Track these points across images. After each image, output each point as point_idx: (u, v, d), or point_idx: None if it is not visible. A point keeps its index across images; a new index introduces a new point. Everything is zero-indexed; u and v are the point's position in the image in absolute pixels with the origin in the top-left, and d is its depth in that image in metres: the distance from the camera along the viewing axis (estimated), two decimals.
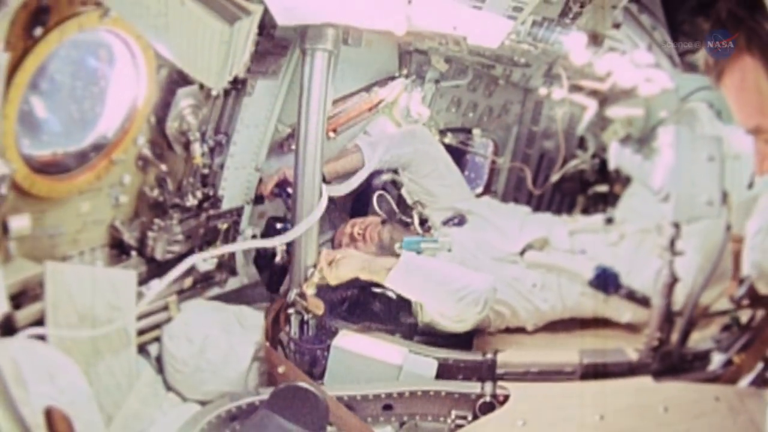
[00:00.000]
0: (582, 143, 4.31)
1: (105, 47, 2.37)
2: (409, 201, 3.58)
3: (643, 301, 2.93)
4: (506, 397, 2.54)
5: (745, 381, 2.58)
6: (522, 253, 3.22)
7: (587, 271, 3.07)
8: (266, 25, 2.70)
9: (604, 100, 3.95)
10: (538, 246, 3.24)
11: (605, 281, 2.98)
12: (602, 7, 2.49)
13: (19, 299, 2.14)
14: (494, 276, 2.99)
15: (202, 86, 2.61)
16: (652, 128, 3.87)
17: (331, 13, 2.42)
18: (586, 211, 4.27)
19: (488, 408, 2.54)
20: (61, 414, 1.78)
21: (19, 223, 2.09)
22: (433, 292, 2.84)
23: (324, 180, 3.03)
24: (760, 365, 2.59)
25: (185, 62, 1.94)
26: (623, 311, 3.08)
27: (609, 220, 3.18)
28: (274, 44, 2.80)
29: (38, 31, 1.95)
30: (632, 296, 3.00)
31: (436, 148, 3.52)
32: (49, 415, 1.76)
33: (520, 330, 3.12)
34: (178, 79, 2.52)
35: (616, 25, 2.61)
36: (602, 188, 4.18)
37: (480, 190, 4.45)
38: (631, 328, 3.10)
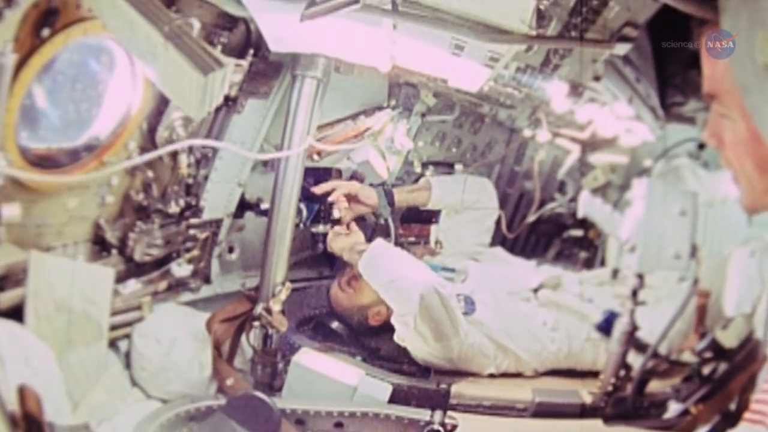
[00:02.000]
0: (562, 187, 4.61)
1: (107, 52, 2.68)
2: (432, 239, 3.94)
3: (637, 345, 3.05)
4: (454, 427, 2.81)
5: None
6: (536, 291, 3.53)
7: (596, 315, 3.34)
8: (261, 47, 3.00)
9: (588, 145, 4.24)
10: (551, 286, 3.56)
11: (612, 325, 3.10)
12: (582, 60, 2.79)
13: (2, 282, 2.43)
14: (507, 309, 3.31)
15: None
16: (636, 175, 4.16)
17: (320, 45, 2.75)
18: (560, 254, 4.58)
19: None
20: (33, 393, 2.03)
21: (11, 212, 2.37)
22: (387, 285, 3.15)
23: (393, 205, 3.52)
24: (716, 418, 2.82)
25: (169, 92, 2.26)
26: None
27: (615, 273, 3.45)
28: (267, 66, 3.11)
29: (46, 32, 2.24)
30: (637, 344, 3.09)
31: (494, 203, 3.91)
32: (22, 393, 1.98)
33: None
34: None
35: (597, 78, 2.89)
36: (577, 233, 4.48)
37: None
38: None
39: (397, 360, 3.34)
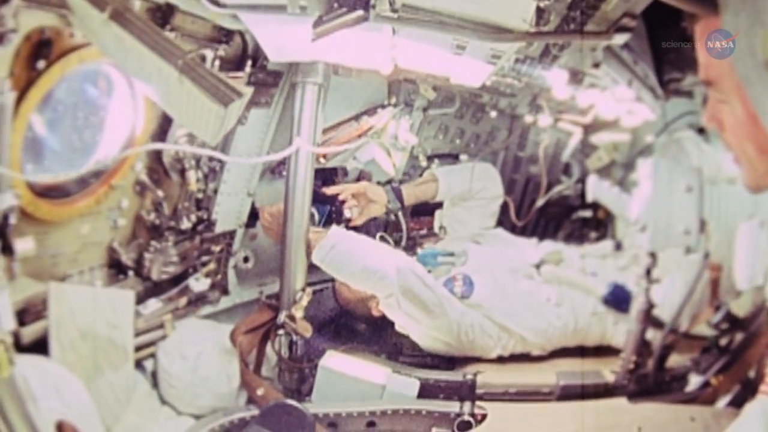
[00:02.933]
0: (567, 169, 4.56)
1: (104, 76, 2.63)
2: (437, 225, 3.87)
3: (655, 322, 3.01)
4: (484, 416, 2.80)
5: (722, 402, 2.82)
6: (538, 267, 3.48)
7: (601, 288, 3.29)
8: (260, 57, 2.96)
9: (589, 127, 4.20)
10: (553, 261, 3.50)
11: (619, 298, 3.15)
12: (581, 50, 2.75)
13: (22, 316, 2.37)
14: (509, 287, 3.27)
15: None
16: (638, 152, 4.13)
17: (320, 52, 2.68)
18: (570, 235, 4.54)
19: (466, 426, 2.80)
20: (72, 427, 2.03)
21: (24, 246, 2.31)
22: (359, 273, 3.07)
23: (402, 201, 3.47)
24: (737, 387, 2.82)
25: (183, 121, 2.22)
26: None
27: (618, 246, 3.40)
28: (267, 75, 3.05)
29: (41, 63, 2.19)
30: (653, 321, 3.03)
31: (499, 188, 3.84)
32: (60, 428, 2.01)
33: None
34: None
35: (596, 65, 2.86)
36: (586, 213, 4.44)
37: None
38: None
39: (420, 354, 3.29)
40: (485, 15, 2.04)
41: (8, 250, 2.27)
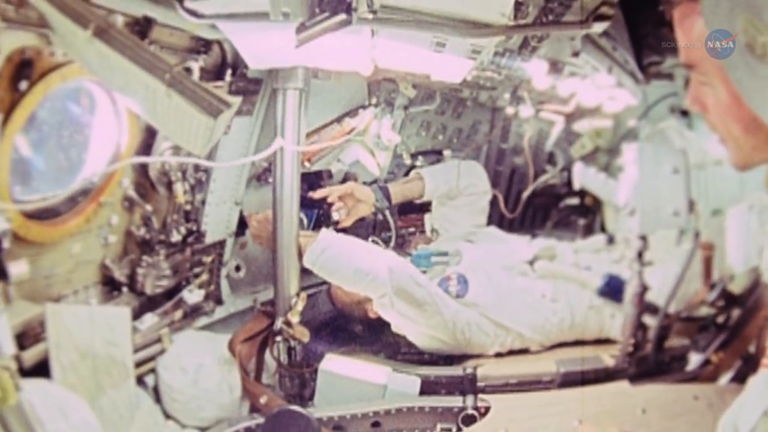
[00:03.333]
0: (551, 158, 4.59)
1: (86, 93, 2.61)
2: (428, 228, 3.86)
3: (652, 310, 3.01)
4: (487, 409, 2.81)
5: (724, 379, 2.85)
6: (532, 263, 3.48)
7: (595, 281, 3.25)
8: (239, 66, 2.93)
9: (571, 115, 4.22)
10: (546, 257, 3.50)
11: (614, 288, 3.10)
12: (560, 40, 2.77)
13: (22, 340, 2.33)
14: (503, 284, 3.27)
15: None
16: (621, 137, 4.15)
17: (299, 57, 2.67)
18: (559, 224, 4.57)
19: (471, 420, 2.80)
20: None
21: (19, 269, 2.27)
22: (352, 275, 3.05)
23: (389, 200, 3.47)
24: (738, 363, 2.86)
25: (171, 135, 2.20)
26: None
27: (610, 240, 3.41)
28: (247, 83, 3.04)
29: (23, 84, 2.15)
30: (648, 306, 3.03)
31: (486, 185, 3.82)
32: None
33: None
34: None
35: (575, 54, 2.87)
36: (573, 201, 4.46)
37: None
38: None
39: (418, 351, 3.30)
40: (464, 11, 2.05)
41: (3, 275, 2.23)
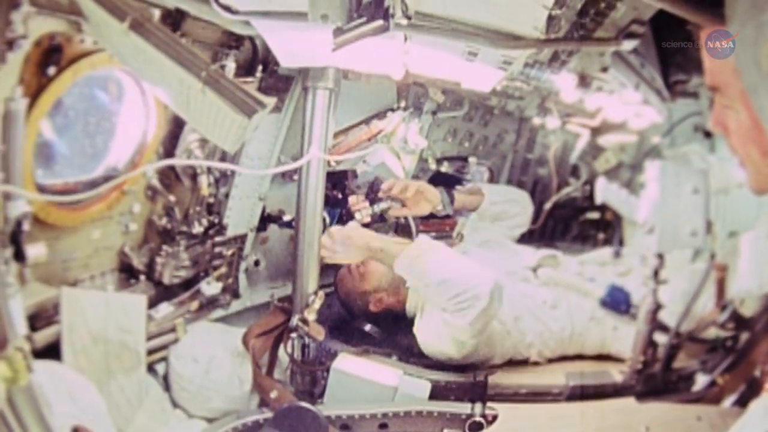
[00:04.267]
0: (575, 171, 4.55)
1: (115, 82, 2.58)
2: (456, 231, 3.89)
3: (662, 328, 2.98)
4: (495, 417, 2.75)
5: (728, 401, 2.81)
6: (535, 270, 3.44)
7: (598, 291, 3.21)
8: (270, 62, 2.91)
9: (597, 129, 4.18)
10: (549, 265, 3.46)
11: (617, 299, 3.09)
12: (589, 54, 2.73)
13: (34, 321, 2.33)
14: (506, 288, 3.10)
15: None
16: (645, 153, 4.10)
17: (331, 58, 2.63)
18: (578, 236, 4.53)
19: (477, 427, 2.76)
20: None
21: (36, 252, 2.24)
22: (440, 283, 2.93)
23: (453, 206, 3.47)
24: (743, 386, 2.81)
25: (202, 130, 2.16)
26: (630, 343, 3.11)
27: (617, 254, 3.36)
28: (277, 80, 3.01)
29: (51, 70, 2.13)
30: (659, 324, 3.01)
31: (528, 218, 3.86)
32: None
33: None
34: None
35: (604, 69, 2.83)
36: (594, 215, 4.42)
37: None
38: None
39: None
40: (498, 22, 2.00)
41: (20, 256, 2.23)
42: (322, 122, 2.89)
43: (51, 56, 2.14)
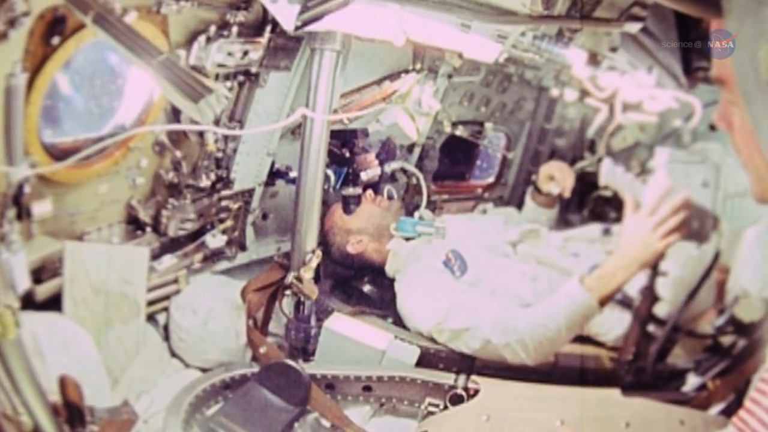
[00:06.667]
0: (592, 146, 4.49)
1: None
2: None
3: (654, 319, 2.98)
4: (477, 392, 2.85)
5: (715, 409, 2.78)
6: (515, 245, 3.53)
7: (580, 268, 3.16)
8: (279, 23, 3.01)
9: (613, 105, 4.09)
10: (530, 239, 3.55)
11: None
12: (595, 33, 2.70)
13: (39, 274, 2.58)
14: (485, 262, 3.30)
15: (216, 78, 2.97)
16: (665, 136, 4.00)
17: (333, 23, 2.72)
18: (591, 212, 4.50)
19: (458, 399, 2.86)
20: (73, 381, 2.19)
21: (42, 209, 2.50)
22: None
23: None
24: (732, 396, 2.77)
25: (175, 104, 2.34)
26: (612, 326, 3.26)
27: (606, 231, 3.38)
28: (287, 40, 3.12)
29: (56, 39, 2.30)
30: (627, 302, 3.14)
31: None
32: (63, 382, 2.16)
33: None
34: None
35: (613, 49, 2.80)
36: (607, 192, 4.37)
37: (491, 180, 4.75)
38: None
39: None
40: None
41: (24, 215, 2.45)
42: (328, 84, 3.02)
43: (55, 27, 2.29)
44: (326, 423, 2.80)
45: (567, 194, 3.91)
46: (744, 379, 2.74)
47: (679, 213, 2.61)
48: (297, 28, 2.74)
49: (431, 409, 2.91)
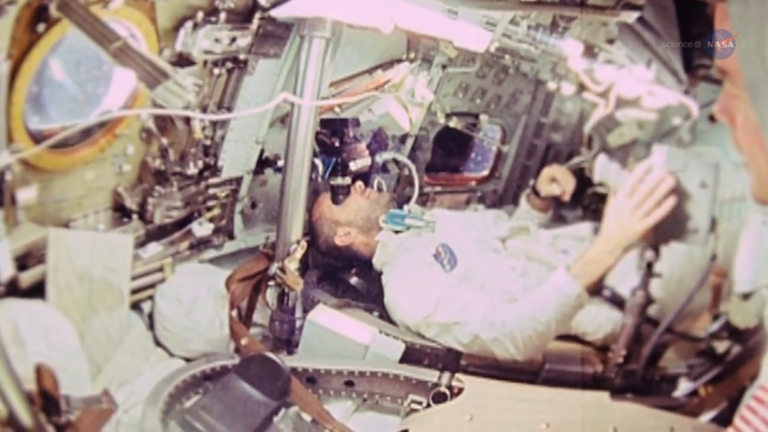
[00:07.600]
0: (590, 141, 4.46)
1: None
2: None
3: (648, 319, 2.99)
4: (461, 390, 2.87)
5: (706, 416, 2.76)
6: (504, 241, 3.55)
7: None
8: (268, 9, 3.00)
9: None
10: (520, 236, 3.57)
11: None
12: (591, 23, 2.67)
13: (24, 260, 2.62)
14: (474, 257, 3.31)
15: (204, 65, 3.00)
16: (664, 134, 3.97)
17: (321, 9, 2.76)
18: (586, 208, 4.50)
19: (441, 398, 2.88)
20: (48, 370, 2.24)
21: (26, 195, 2.54)
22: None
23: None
24: (724, 404, 2.75)
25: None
26: (601, 324, 3.29)
27: (597, 229, 3.36)
28: (276, 27, 3.11)
29: (41, 27, 2.32)
30: (616, 300, 3.16)
31: None
32: (38, 371, 2.21)
33: None
34: (180, 61, 2.88)
35: (610, 41, 2.78)
36: (602, 189, 4.34)
37: (485, 173, 4.74)
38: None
39: None
40: None
41: (10, 201, 2.50)
42: (316, 71, 3.04)
43: (41, 14, 2.31)
44: (307, 417, 2.85)
45: (567, 197, 3.95)
46: (737, 387, 2.74)
47: (658, 192, 2.61)
48: (266, 9, 2.78)
49: (414, 406, 2.94)
